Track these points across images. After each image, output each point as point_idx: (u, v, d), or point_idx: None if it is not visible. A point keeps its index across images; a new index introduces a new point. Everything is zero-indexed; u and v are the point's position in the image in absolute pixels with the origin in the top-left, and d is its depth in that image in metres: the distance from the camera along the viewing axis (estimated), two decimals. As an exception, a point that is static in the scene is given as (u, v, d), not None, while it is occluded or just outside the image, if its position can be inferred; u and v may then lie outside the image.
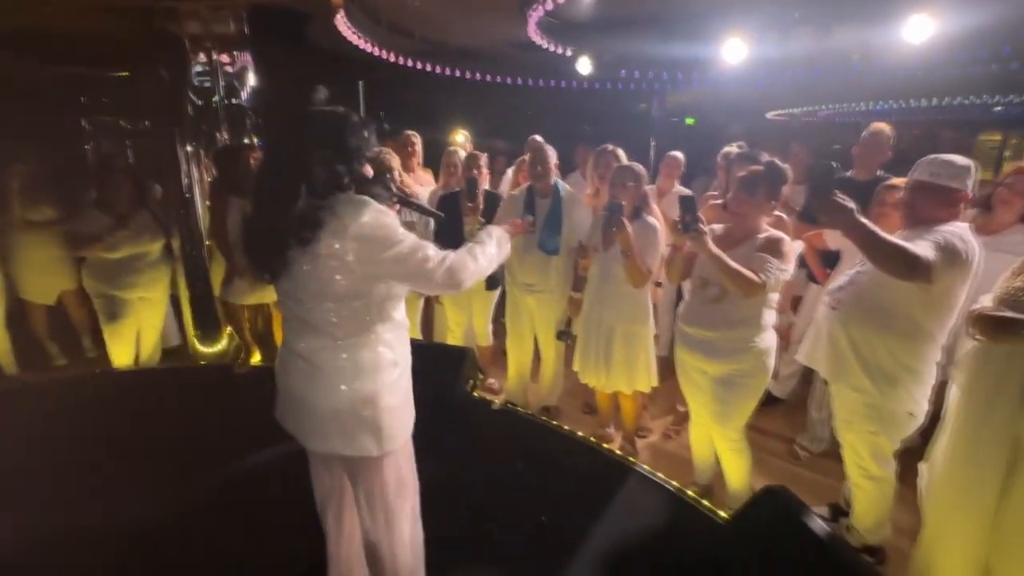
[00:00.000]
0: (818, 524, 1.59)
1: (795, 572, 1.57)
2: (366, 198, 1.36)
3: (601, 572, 2.01)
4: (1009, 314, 1.59)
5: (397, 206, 1.71)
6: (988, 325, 1.61)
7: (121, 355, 3.87)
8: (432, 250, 1.41)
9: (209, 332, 4.14)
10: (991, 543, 1.64)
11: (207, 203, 4.00)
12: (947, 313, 1.95)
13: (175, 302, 4.14)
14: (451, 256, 1.45)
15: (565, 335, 3.14)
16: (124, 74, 4.27)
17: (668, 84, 6.14)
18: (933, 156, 2.01)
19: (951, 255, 1.82)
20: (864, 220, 1.83)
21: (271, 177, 1.37)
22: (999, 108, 11.78)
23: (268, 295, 3.84)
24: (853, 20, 3.98)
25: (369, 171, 1.43)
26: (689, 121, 13.30)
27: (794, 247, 2.29)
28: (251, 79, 4.04)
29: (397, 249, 1.35)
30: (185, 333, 4.33)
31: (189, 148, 3.76)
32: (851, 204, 1.83)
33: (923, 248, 1.81)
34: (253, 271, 1.42)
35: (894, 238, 1.84)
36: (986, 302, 1.72)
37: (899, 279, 1.85)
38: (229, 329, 4.16)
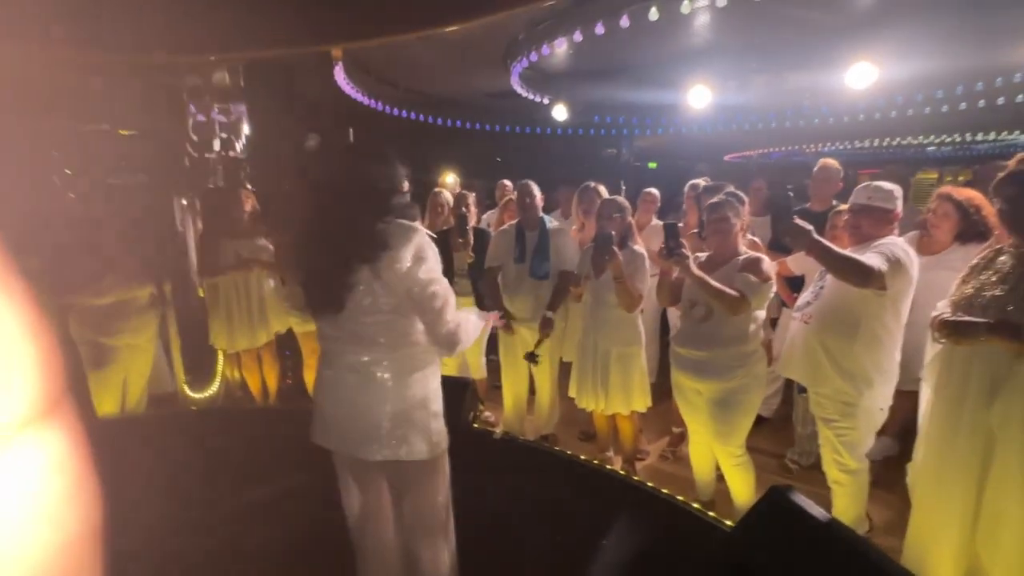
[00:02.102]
0: (823, 513, 1.72)
1: (809, 563, 1.68)
2: (415, 224, 1.51)
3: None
4: (966, 318, 1.80)
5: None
6: (949, 329, 1.83)
7: (107, 403, 3.79)
8: (454, 304, 1.53)
9: (199, 377, 4.10)
10: (976, 531, 1.80)
11: (198, 246, 4.06)
12: (900, 315, 2.23)
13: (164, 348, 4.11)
14: (460, 320, 1.56)
15: (532, 357, 3.25)
16: (127, 132, 4.37)
17: (636, 129, 6.55)
18: (867, 183, 2.35)
19: (897, 264, 2.12)
20: (821, 239, 2.11)
21: (330, 209, 1.49)
22: (932, 148, 12.85)
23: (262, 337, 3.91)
24: (804, 68, 4.41)
25: (407, 197, 1.58)
26: (651, 165, 13.99)
27: (772, 265, 2.53)
28: (245, 129, 4.18)
29: (435, 283, 1.49)
30: (165, 380, 4.27)
31: (184, 200, 3.83)
32: (809, 227, 2.12)
33: (873, 259, 2.10)
34: (317, 304, 1.51)
35: (847, 252, 2.13)
36: (943, 308, 1.95)
37: (857, 287, 2.12)
38: (221, 374, 4.14)
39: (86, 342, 3.67)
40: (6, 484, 0.30)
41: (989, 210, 2.63)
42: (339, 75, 4.04)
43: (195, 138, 4.08)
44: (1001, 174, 1.88)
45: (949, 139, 11.81)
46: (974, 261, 1.95)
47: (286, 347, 4.22)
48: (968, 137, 11.65)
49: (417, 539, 1.62)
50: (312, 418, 1.64)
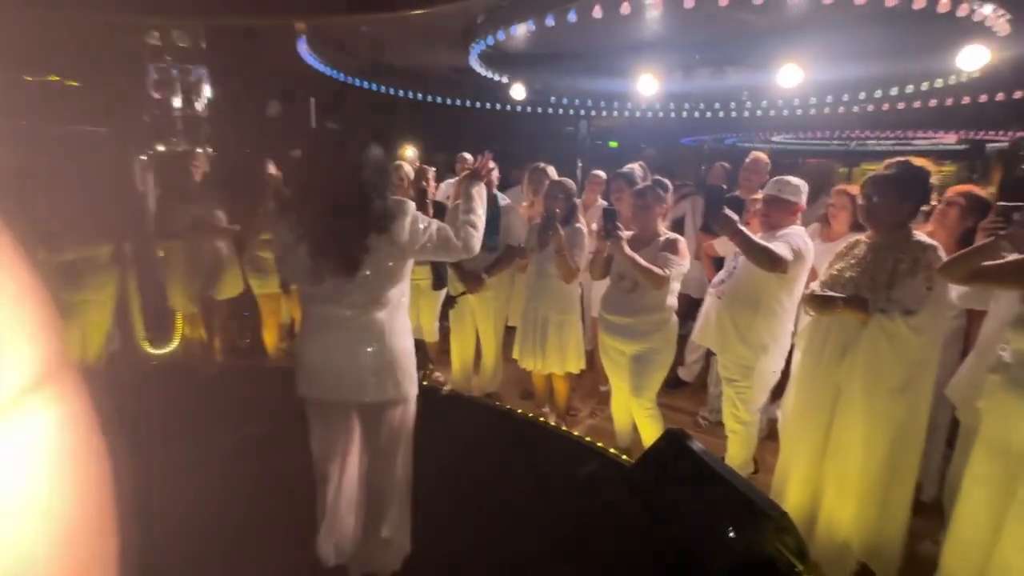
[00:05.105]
0: (706, 451, 2.11)
1: (691, 490, 2.07)
2: (405, 199, 1.85)
3: (544, 514, 2.43)
4: (828, 293, 2.20)
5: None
6: (812, 302, 2.22)
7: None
8: (450, 229, 1.91)
9: (160, 334, 4.23)
10: (823, 462, 2.23)
11: (156, 208, 4.14)
12: (794, 294, 2.62)
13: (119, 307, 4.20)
14: (463, 234, 1.93)
15: (451, 301, 3.63)
16: (74, 83, 4.34)
17: (592, 111, 6.82)
18: (778, 177, 2.69)
19: (798, 252, 2.48)
20: (742, 228, 2.46)
21: (346, 188, 1.73)
22: (873, 141, 13.66)
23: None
24: (742, 64, 4.77)
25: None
26: (612, 144, 14.33)
27: (686, 246, 2.89)
28: (206, 90, 4.23)
29: (432, 228, 1.86)
30: (125, 336, 4.38)
31: (143, 156, 3.89)
32: (735, 217, 2.46)
33: (780, 248, 2.46)
34: (331, 268, 1.74)
35: (761, 241, 2.49)
36: (816, 287, 2.34)
37: (765, 271, 2.48)
38: (181, 331, 4.28)
39: (45, 296, 3.75)
40: (13, 452, 0.30)
41: None
42: (301, 45, 4.13)
43: (155, 95, 4.12)
44: (868, 175, 2.27)
45: (892, 135, 12.59)
46: (840, 248, 2.35)
47: (245, 308, 4.39)
48: (908, 134, 12.43)
49: (383, 467, 1.94)
50: (298, 372, 1.90)
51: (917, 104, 5.85)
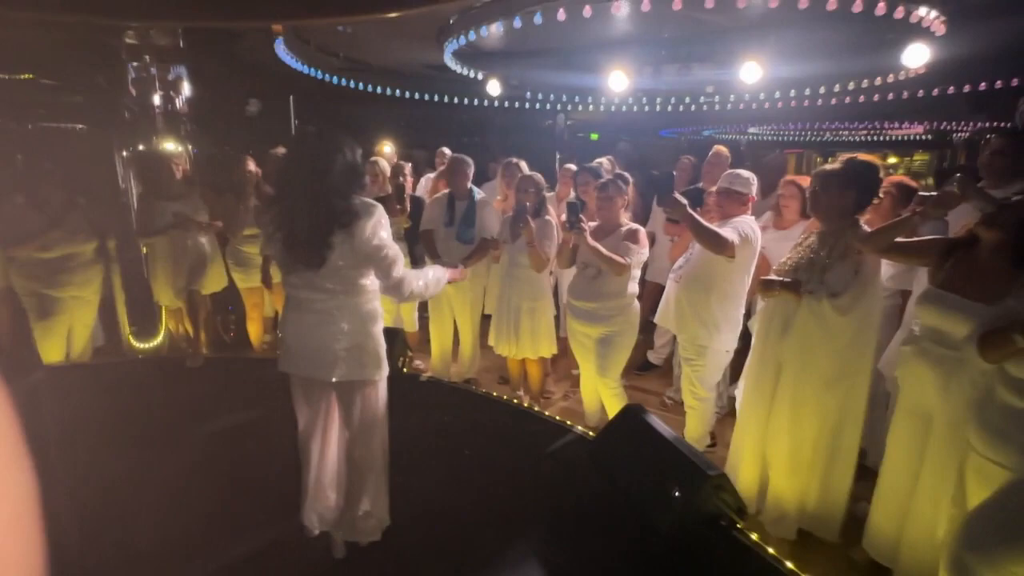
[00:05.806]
0: (661, 425, 2.31)
1: (643, 457, 2.27)
2: (374, 201, 1.94)
3: (516, 484, 2.62)
4: (772, 277, 2.40)
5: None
6: (761, 286, 2.43)
7: (52, 352, 3.98)
8: (401, 262, 1.99)
9: (145, 328, 4.33)
10: (766, 435, 2.45)
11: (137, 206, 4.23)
12: (745, 278, 2.83)
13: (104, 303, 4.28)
14: (407, 274, 2.02)
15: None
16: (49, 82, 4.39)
17: (568, 105, 6.98)
18: (730, 171, 2.89)
19: (745, 238, 2.69)
20: (692, 212, 2.64)
21: (311, 186, 1.84)
22: (845, 132, 14.02)
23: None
24: (707, 61, 4.96)
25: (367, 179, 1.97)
26: (593, 136, 14.52)
27: (646, 235, 3.08)
28: (186, 88, 4.31)
29: (387, 246, 1.94)
30: (109, 332, 4.47)
31: (125, 153, 3.98)
32: (684, 201, 2.64)
33: (729, 233, 2.66)
34: (299, 261, 1.88)
35: (711, 225, 2.69)
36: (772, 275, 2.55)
37: (715, 253, 2.68)
38: (166, 325, 4.38)
39: (31, 294, 3.82)
40: None
41: None
42: (279, 45, 4.23)
43: (134, 92, 4.19)
44: (816, 169, 2.47)
45: (863, 127, 12.93)
46: (798, 240, 2.55)
47: (229, 302, 4.50)
48: (878, 125, 12.79)
49: (360, 441, 2.08)
50: (279, 350, 2.06)
51: (876, 97, 6.09)
